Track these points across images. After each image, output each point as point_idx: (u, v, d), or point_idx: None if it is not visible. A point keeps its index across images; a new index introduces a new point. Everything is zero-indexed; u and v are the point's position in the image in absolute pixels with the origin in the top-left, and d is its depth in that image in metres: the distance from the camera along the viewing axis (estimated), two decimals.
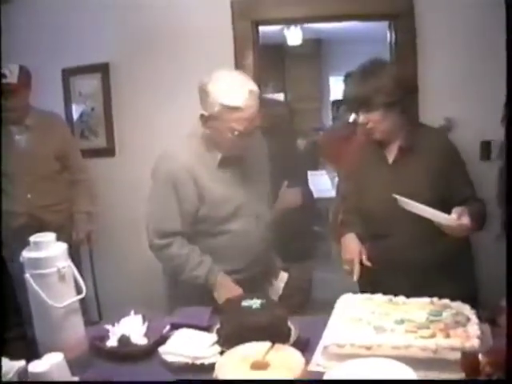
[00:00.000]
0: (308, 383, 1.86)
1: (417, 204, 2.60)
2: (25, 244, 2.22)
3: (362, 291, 2.73)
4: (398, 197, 2.67)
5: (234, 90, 2.69)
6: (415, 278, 2.84)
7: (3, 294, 3.98)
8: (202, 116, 2.78)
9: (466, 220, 2.53)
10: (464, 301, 2.31)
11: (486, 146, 4.18)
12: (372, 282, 2.97)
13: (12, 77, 3.94)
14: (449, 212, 2.55)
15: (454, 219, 2.51)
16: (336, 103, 10.51)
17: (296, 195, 3.70)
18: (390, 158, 2.96)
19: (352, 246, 2.90)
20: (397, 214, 2.77)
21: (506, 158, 2.12)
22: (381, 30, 4.86)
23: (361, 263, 2.86)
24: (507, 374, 1.67)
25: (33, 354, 2.15)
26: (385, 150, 2.98)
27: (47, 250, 2.16)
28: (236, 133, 2.72)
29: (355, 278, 2.83)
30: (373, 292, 2.48)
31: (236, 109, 2.67)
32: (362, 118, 2.87)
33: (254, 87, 2.75)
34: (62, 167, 4.33)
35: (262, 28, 4.61)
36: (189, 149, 2.89)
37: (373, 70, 2.85)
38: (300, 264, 3.95)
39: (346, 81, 6.15)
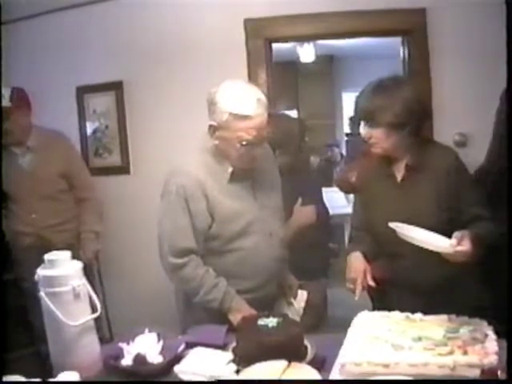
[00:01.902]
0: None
1: (414, 233, 2.56)
2: (34, 263, 2.23)
3: (376, 309, 2.70)
4: (394, 226, 2.61)
5: (242, 98, 2.68)
6: (427, 297, 2.80)
7: (13, 311, 3.99)
8: (210, 126, 2.76)
9: (466, 245, 2.44)
10: (480, 316, 2.28)
11: None
12: (385, 300, 2.96)
13: (4, 101, 3.94)
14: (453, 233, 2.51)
15: (452, 245, 2.44)
16: (353, 119, 10.55)
17: (310, 213, 3.69)
18: (399, 177, 2.93)
19: (356, 265, 2.86)
20: None
21: (507, 159, 2.09)
22: (394, 45, 4.86)
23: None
24: (507, 375, 1.65)
25: (47, 372, 2.14)
26: (393, 168, 2.95)
27: (62, 268, 2.16)
28: (244, 142, 2.70)
29: (357, 297, 2.79)
30: (387, 310, 2.46)
31: (245, 117, 2.66)
32: (364, 132, 2.86)
33: (262, 96, 2.74)
34: (67, 186, 4.32)
35: (275, 45, 4.63)
36: (200, 163, 2.85)
37: (386, 87, 2.82)
38: (315, 282, 3.93)
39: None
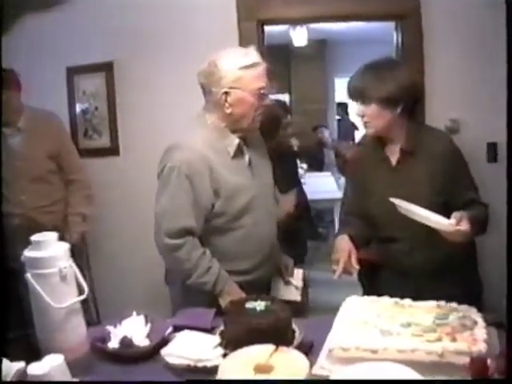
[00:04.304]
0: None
1: (415, 209, 2.57)
2: (22, 244, 2.20)
3: (366, 294, 2.70)
4: (396, 202, 2.63)
5: (243, 51, 2.83)
6: (420, 281, 2.83)
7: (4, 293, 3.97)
8: (224, 94, 2.77)
9: (464, 225, 2.47)
10: (470, 303, 2.28)
11: (492, 148, 4.15)
12: (376, 285, 2.97)
13: None
14: (450, 215, 2.52)
15: (452, 225, 2.46)
16: (341, 105, 10.59)
17: (290, 202, 3.67)
18: (393, 160, 2.93)
19: (341, 247, 2.84)
20: (400, 217, 2.76)
21: (507, 158, 2.09)
22: (387, 31, 4.84)
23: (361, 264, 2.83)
24: (507, 374, 1.64)
25: (34, 355, 2.12)
26: (388, 152, 2.95)
27: (49, 250, 2.13)
28: (262, 91, 2.79)
29: (335, 277, 2.77)
30: (378, 294, 2.46)
31: (255, 65, 2.78)
32: (357, 110, 2.88)
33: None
34: (56, 167, 4.28)
35: (267, 28, 4.62)
36: (202, 139, 2.83)
37: (378, 66, 2.85)
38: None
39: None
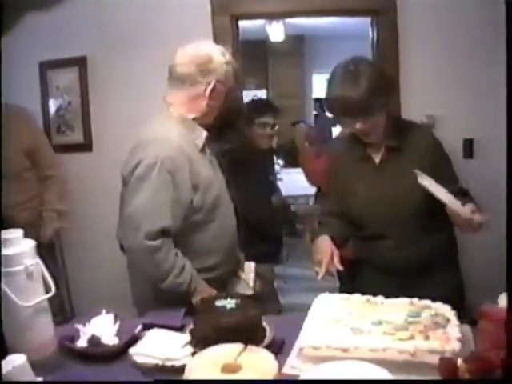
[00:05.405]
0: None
1: (437, 189, 2.56)
2: None
3: (346, 291, 2.68)
4: (420, 173, 2.60)
5: (222, 48, 2.91)
6: (402, 279, 2.82)
7: None
8: (215, 85, 2.80)
9: (477, 216, 2.49)
10: (451, 301, 2.25)
11: (468, 144, 4.16)
12: (355, 282, 2.99)
13: None
14: (439, 208, 2.58)
15: (469, 211, 2.49)
16: (318, 101, 10.57)
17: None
18: (377, 159, 2.90)
19: (323, 248, 2.82)
20: (385, 214, 2.74)
21: (506, 157, 2.08)
22: (364, 26, 4.84)
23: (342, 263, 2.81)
24: (507, 374, 1.62)
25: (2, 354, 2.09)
26: (370, 151, 2.92)
27: (14, 247, 2.09)
28: (232, 90, 2.90)
29: (319, 277, 2.75)
30: (359, 292, 2.43)
31: (232, 63, 2.87)
32: (359, 125, 2.76)
33: None
34: (31, 164, 4.24)
35: (243, 24, 4.61)
36: (174, 132, 2.76)
37: (360, 72, 2.71)
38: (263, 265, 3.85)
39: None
